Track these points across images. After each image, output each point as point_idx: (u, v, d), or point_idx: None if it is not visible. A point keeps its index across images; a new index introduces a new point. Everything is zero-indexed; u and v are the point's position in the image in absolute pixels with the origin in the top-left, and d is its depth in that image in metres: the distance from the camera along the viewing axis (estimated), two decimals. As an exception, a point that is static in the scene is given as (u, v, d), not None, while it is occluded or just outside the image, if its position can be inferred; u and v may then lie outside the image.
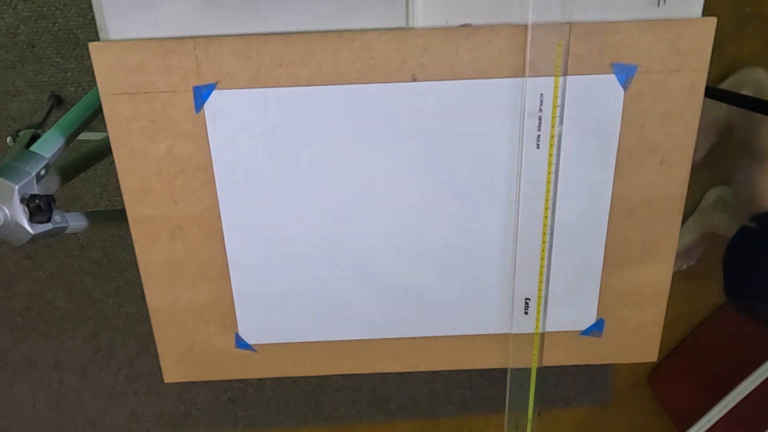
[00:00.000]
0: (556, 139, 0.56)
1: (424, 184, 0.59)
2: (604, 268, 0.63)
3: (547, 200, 0.57)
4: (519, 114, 0.56)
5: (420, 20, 0.54)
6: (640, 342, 0.68)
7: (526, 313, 0.64)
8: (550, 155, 0.56)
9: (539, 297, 0.62)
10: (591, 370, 1.68)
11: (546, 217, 0.58)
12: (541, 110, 0.55)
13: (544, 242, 0.59)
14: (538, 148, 0.56)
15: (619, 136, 0.57)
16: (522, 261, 0.62)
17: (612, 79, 0.55)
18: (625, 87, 0.56)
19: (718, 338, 1.56)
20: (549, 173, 0.57)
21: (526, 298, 0.63)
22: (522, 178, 0.57)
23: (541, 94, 0.54)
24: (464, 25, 0.54)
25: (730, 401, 1.39)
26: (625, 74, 0.55)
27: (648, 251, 0.62)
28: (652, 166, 0.59)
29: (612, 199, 0.60)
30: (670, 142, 0.58)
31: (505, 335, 0.67)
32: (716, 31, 0.54)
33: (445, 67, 0.55)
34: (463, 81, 0.55)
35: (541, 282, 0.62)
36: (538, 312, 0.62)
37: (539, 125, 0.55)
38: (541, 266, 0.61)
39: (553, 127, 0.55)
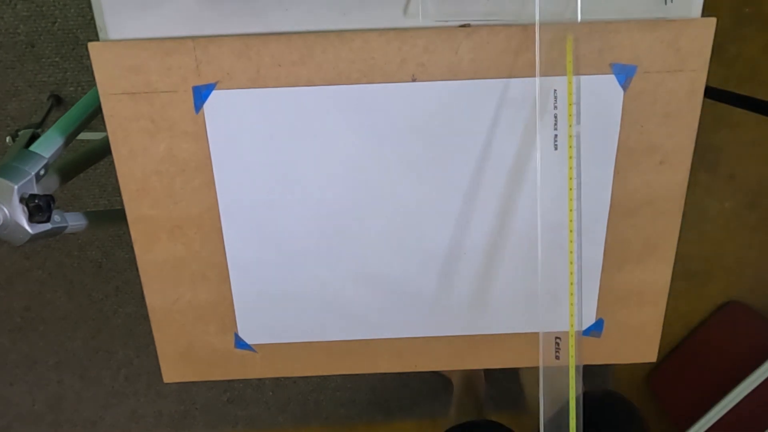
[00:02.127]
0: (574, 139, 0.55)
1: (423, 184, 0.59)
2: (603, 268, 0.63)
3: (570, 199, 0.56)
4: (519, 114, 0.56)
5: (423, 18, 0.53)
6: (640, 342, 0.68)
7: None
8: (570, 157, 0.55)
9: (571, 295, 0.60)
10: (591, 370, 1.67)
11: (571, 221, 0.57)
12: (556, 107, 0.54)
13: (571, 241, 0.58)
14: (556, 149, 0.55)
15: (619, 136, 0.57)
16: (545, 260, 0.61)
17: (612, 79, 0.55)
18: (624, 87, 0.55)
19: (717, 338, 1.56)
20: (570, 167, 0.55)
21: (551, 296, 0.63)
22: (539, 177, 0.56)
23: (555, 90, 0.54)
24: (464, 25, 0.54)
25: (731, 401, 1.39)
26: (625, 74, 0.55)
27: (648, 251, 0.62)
28: (652, 166, 0.59)
29: (612, 199, 0.60)
30: (669, 142, 0.58)
31: (506, 335, 0.67)
32: (716, 31, 0.54)
33: (445, 67, 0.54)
34: (462, 81, 0.55)
35: (572, 284, 0.60)
36: (571, 314, 0.60)
37: (555, 124, 0.55)
38: (570, 262, 0.59)
39: (570, 126, 0.54)
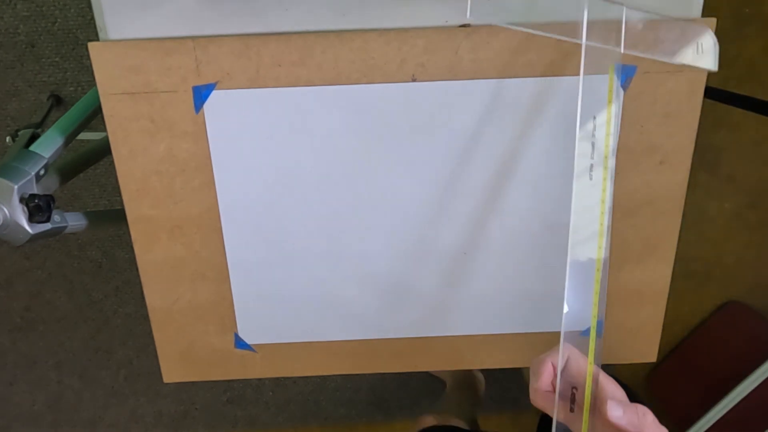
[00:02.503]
0: (609, 171, 0.52)
1: (423, 183, 0.59)
2: (603, 269, 0.63)
3: (601, 235, 0.52)
4: (519, 114, 0.56)
5: (470, 16, 0.51)
6: (640, 342, 0.68)
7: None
8: (604, 190, 0.51)
9: (594, 317, 0.58)
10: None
11: (600, 248, 0.54)
12: (594, 135, 0.51)
13: (598, 269, 0.55)
14: (591, 179, 0.51)
15: (619, 136, 0.57)
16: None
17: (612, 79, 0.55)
18: (624, 87, 0.55)
19: (717, 338, 1.56)
20: (602, 200, 0.52)
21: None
22: (574, 204, 0.52)
23: (594, 117, 0.51)
24: (464, 26, 0.54)
25: (730, 401, 1.39)
26: (625, 75, 0.55)
27: (648, 251, 0.62)
28: (652, 166, 0.59)
29: (612, 198, 0.60)
30: (669, 143, 0.58)
31: (506, 335, 0.67)
32: (716, 31, 0.54)
33: (445, 67, 0.54)
34: (462, 81, 0.55)
35: (595, 317, 0.57)
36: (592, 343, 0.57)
37: (592, 153, 0.51)
38: (596, 292, 0.57)
39: (606, 158, 0.51)
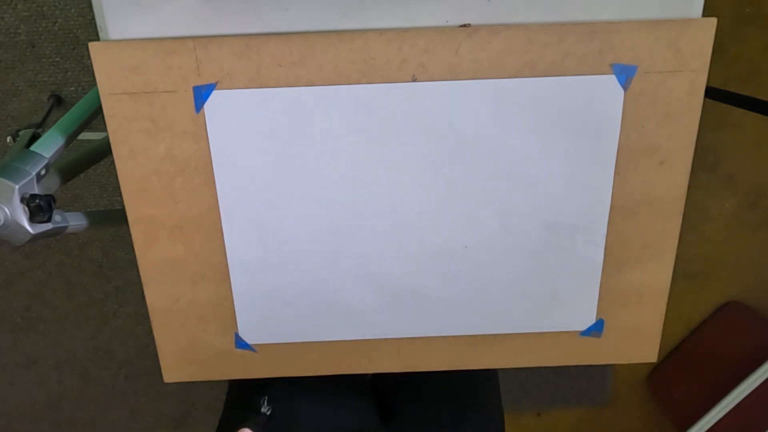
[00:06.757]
0: None
1: (423, 183, 0.59)
2: (604, 269, 0.63)
3: None
4: (518, 114, 0.56)
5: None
6: (640, 342, 0.68)
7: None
8: None
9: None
10: (591, 370, 1.68)
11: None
12: None
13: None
14: None
15: (619, 137, 0.57)
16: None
17: (612, 79, 0.55)
18: (625, 87, 0.56)
19: (718, 338, 1.56)
20: None
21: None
22: None
23: None
24: (464, 25, 0.54)
25: (730, 401, 1.39)
26: (625, 75, 0.55)
27: (648, 252, 0.62)
28: (652, 166, 0.59)
29: (612, 199, 0.60)
30: (670, 143, 0.58)
31: (506, 335, 0.67)
32: (716, 31, 0.54)
33: (445, 67, 0.54)
34: (462, 81, 0.55)
35: None
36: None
37: None
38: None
39: None
